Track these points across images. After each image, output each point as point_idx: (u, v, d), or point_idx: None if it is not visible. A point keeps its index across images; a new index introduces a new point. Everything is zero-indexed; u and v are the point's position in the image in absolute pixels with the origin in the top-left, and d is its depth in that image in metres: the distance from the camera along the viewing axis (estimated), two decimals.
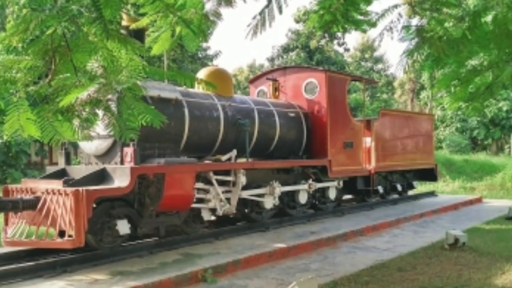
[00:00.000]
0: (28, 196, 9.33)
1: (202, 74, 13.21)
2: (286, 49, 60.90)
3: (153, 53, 5.78)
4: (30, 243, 9.20)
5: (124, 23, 8.76)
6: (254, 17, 6.27)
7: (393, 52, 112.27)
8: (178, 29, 5.45)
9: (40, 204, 9.02)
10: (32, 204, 9.06)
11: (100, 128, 5.57)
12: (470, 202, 20.42)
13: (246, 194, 12.63)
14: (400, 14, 6.44)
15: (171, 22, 5.29)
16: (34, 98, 4.89)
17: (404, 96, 64.81)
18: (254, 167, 12.89)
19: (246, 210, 13.19)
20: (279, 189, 13.39)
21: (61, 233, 8.79)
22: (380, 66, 71.82)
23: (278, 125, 14.21)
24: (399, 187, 19.65)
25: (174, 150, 11.28)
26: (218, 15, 5.79)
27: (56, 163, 12.88)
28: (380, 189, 18.23)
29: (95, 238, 9.59)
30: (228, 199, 12.12)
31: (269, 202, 13.29)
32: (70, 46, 4.56)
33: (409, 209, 17.34)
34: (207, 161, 12.54)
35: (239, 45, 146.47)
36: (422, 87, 55.26)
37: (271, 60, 63.05)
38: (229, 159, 12.48)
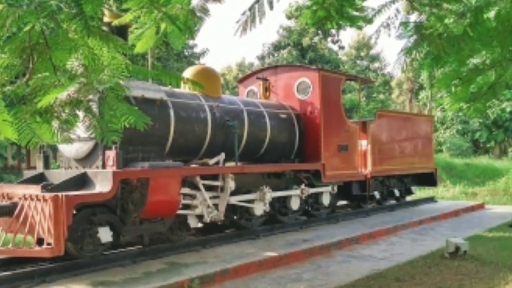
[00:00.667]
0: (4, 202, 9.30)
1: (188, 73, 13.24)
2: (277, 47, 60.87)
3: (136, 51, 5.78)
4: (7, 251, 9.17)
5: (106, 19, 8.73)
6: (244, 13, 6.28)
7: (391, 50, 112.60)
8: (163, 25, 5.46)
9: (17, 211, 8.99)
10: (8, 211, 9.03)
11: (80, 130, 5.58)
12: (472, 209, 20.49)
13: (235, 200, 12.63)
14: (397, 10, 6.47)
15: (155, 18, 5.30)
16: (11, 98, 4.89)
17: (402, 97, 64.88)
18: (243, 171, 12.88)
19: (235, 217, 13.20)
20: (269, 194, 13.41)
21: (40, 241, 8.74)
22: (376, 64, 71.88)
23: (269, 127, 14.23)
24: (396, 193, 19.71)
25: (159, 153, 11.28)
26: (205, 10, 5.81)
27: (34, 167, 12.85)
28: (377, 194, 18.27)
29: (76, 246, 9.58)
30: (216, 205, 12.13)
31: (259, 209, 13.31)
32: (49, 43, 4.57)
33: (407, 215, 17.39)
34: (193, 165, 12.53)
35: (228, 43, 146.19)
36: (421, 87, 55.34)
37: (262, 58, 63.02)
38: (217, 163, 12.48)
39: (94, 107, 5.22)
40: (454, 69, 7.48)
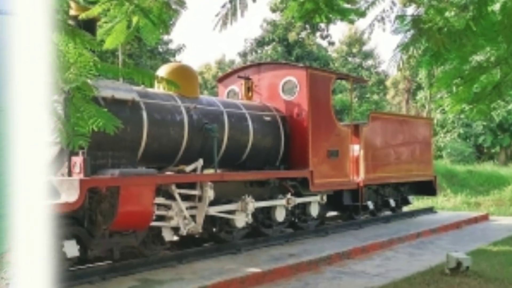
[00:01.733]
0: None
1: (163, 71, 13.19)
2: (260, 43, 60.92)
3: (106, 47, 5.78)
4: None
5: (72, 12, 8.74)
6: (224, 5, 6.30)
7: (385, 46, 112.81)
8: (135, 19, 5.47)
9: None
10: None
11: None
12: (475, 220, 20.56)
13: (214, 210, 12.59)
14: (393, 2, 6.51)
15: (127, 11, 5.30)
16: None
17: (398, 97, 65.05)
18: (223, 179, 12.89)
19: (214, 229, 13.16)
20: (252, 204, 13.38)
21: None
22: (370, 62, 71.96)
23: (252, 130, 14.23)
24: (392, 203, 19.72)
25: (131, 159, 11.25)
26: (181, 3, 5.82)
27: None
28: (370, 204, 18.26)
29: None
30: (193, 217, 12.10)
31: (241, 220, 13.30)
32: None
33: (403, 228, 17.44)
34: (168, 173, 12.52)
35: (206, 38, 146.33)
36: (419, 87, 55.49)
37: (244, 55, 63.04)
38: (195, 170, 12.47)
39: (59, 108, 5.22)
40: (455, 67, 7.52)
